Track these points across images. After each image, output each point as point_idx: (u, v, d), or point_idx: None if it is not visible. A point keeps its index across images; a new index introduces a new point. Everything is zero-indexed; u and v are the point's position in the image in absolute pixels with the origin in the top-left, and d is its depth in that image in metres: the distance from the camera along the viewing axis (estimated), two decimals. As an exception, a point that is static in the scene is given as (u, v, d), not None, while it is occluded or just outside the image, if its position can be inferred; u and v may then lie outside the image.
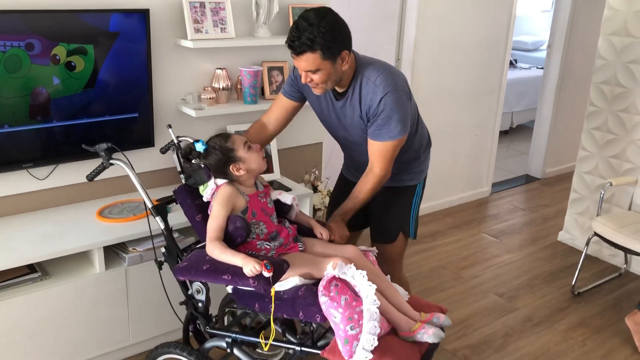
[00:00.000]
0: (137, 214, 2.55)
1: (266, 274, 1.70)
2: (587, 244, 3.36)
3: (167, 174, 2.89)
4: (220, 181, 1.97)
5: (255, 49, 2.97)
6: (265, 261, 1.73)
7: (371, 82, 2.04)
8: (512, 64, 6.94)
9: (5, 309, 2.21)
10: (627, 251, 3.13)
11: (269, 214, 2.01)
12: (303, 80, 2.02)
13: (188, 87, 2.82)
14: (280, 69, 3.01)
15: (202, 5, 2.67)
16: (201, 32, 2.67)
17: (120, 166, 2.03)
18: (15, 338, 2.25)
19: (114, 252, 2.49)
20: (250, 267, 1.70)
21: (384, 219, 2.40)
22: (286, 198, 2.10)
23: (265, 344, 1.90)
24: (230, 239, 1.88)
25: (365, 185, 2.16)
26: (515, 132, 6.80)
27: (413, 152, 2.32)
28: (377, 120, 2.05)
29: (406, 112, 2.07)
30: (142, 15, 2.53)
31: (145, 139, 2.72)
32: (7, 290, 2.24)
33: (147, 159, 2.81)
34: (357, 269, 1.83)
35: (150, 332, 2.61)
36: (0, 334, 2.21)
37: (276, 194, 2.11)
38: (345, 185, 2.43)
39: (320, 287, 1.77)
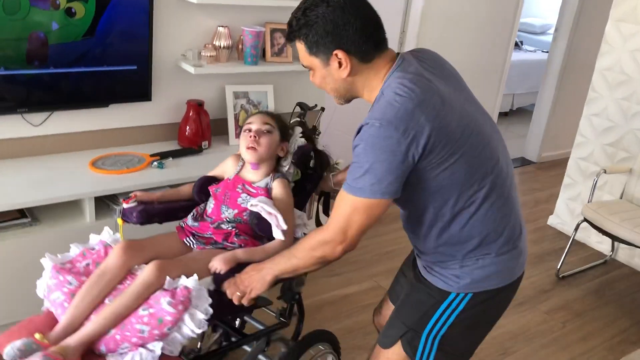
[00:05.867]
0: (131, 167, 2.55)
1: (123, 203, 1.88)
2: (576, 229, 3.39)
3: (163, 130, 2.88)
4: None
5: (259, 9, 2.92)
6: (133, 195, 1.90)
7: (383, 101, 1.44)
8: (518, 46, 6.88)
9: (-6, 251, 2.21)
10: (614, 238, 3.16)
11: (226, 202, 1.85)
12: (310, 78, 1.60)
13: (188, 43, 2.78)
14: (283, 32, 2.96)
15: (208, -41, 2.62)
16: (205, -13, 2.62)
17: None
18: (1, 281, 2.26)
19: (105, 204, 2.49)
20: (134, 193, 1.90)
21: (392, 313, 1.74)
22: (252, 204, 1.81)
23: None
24: None
25: (303, 240, 1.58)
26: (515, 115, 6.78)
27: (448, 245, 1.57)
28: (353, 157, 1.46)
29: (387, 168, 1.39)
30: (146, -35, 2.48)
31: (142, 93, 2.69)
32: (-4, 234, 2.25)
33: (143, 113, 2.79)
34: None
35: (137, 285, 2.63)
36: (-12, 276, 2.23)
37: (255, 199, 1.81)
38: None
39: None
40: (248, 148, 1.84)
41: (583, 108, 3.78)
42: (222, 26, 2.76)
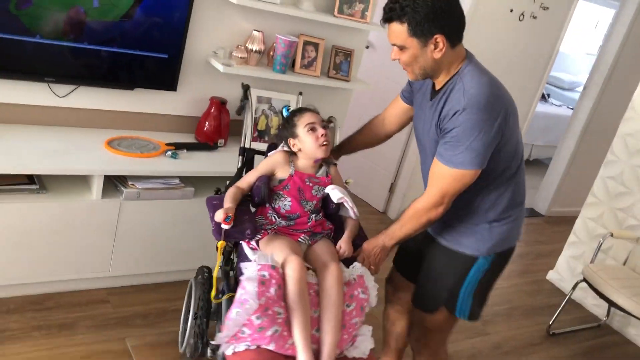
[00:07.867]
0: (145, 152, 2.57)
1: (224, 225, 1.79)
2: (574, 288, 3.36)
3: (182, 122, 2.91)
4: (283, 147, 2.10)
5: (296, 20, 2.96)
6: (229, 215, 1.79)
7: (463, 89, 1.72)
8: (544, 98, 6.89)
9: (-3, 212, 2.23)
10: (611, 303, 3.12)
11: (304, 197, 1.99)
12: (392, 56, 1.79)
13: (221, 42, 2.82)
14: (316, 46, 3.00)
15: (255, -36, 2.66)
16: (247, -10, 2.66)
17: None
18: (3, 242, 2.28)
19: (113, 184, 2.51)
20: (219, 213, 1.81)
21: (425, 282, 2.04)
22: (333, 195, 1.98)
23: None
24: (253, 195, 2.02)
25: (408, 210, 1.84)
26: (531, 165, 6.76)
27: (482, 209, 1.88)
28: (446, 137, 1.73)
29: (484, 143, 1.69)
30: (194, -41, 2.52)
31: (168, 82, 2.72)
32: (1, 195, 2.26)
33: (166, 102, 2.82)
34: (321, 289, 1.84)
35: (129, 268, 2.64)
36: (-13, 235, 2.25)
37: (330, 189, 1.99)
38: None
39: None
40: (322, 145, 1.98)
41: (599, 169, 3.77)
42: (257, 30, 2.80)
